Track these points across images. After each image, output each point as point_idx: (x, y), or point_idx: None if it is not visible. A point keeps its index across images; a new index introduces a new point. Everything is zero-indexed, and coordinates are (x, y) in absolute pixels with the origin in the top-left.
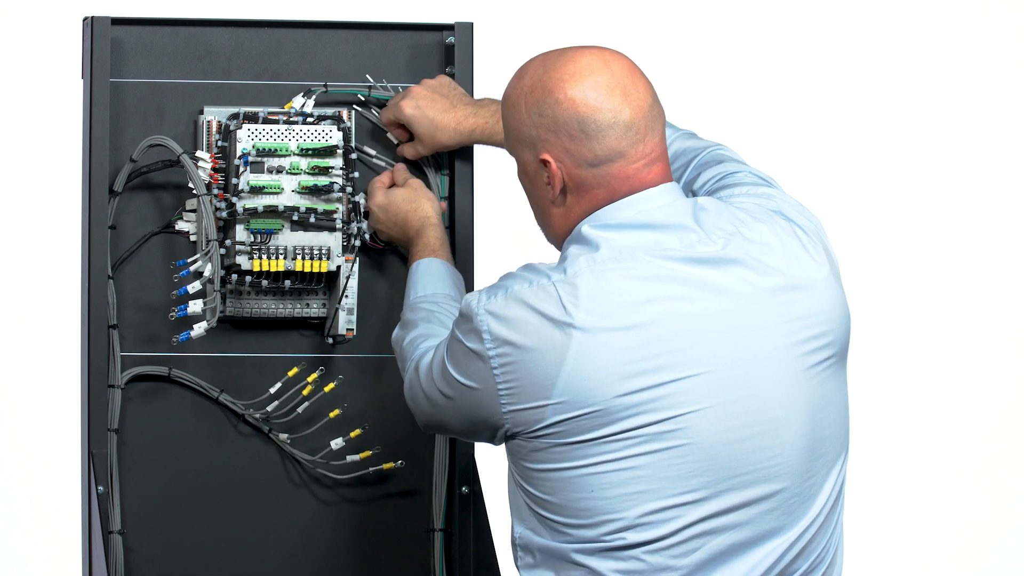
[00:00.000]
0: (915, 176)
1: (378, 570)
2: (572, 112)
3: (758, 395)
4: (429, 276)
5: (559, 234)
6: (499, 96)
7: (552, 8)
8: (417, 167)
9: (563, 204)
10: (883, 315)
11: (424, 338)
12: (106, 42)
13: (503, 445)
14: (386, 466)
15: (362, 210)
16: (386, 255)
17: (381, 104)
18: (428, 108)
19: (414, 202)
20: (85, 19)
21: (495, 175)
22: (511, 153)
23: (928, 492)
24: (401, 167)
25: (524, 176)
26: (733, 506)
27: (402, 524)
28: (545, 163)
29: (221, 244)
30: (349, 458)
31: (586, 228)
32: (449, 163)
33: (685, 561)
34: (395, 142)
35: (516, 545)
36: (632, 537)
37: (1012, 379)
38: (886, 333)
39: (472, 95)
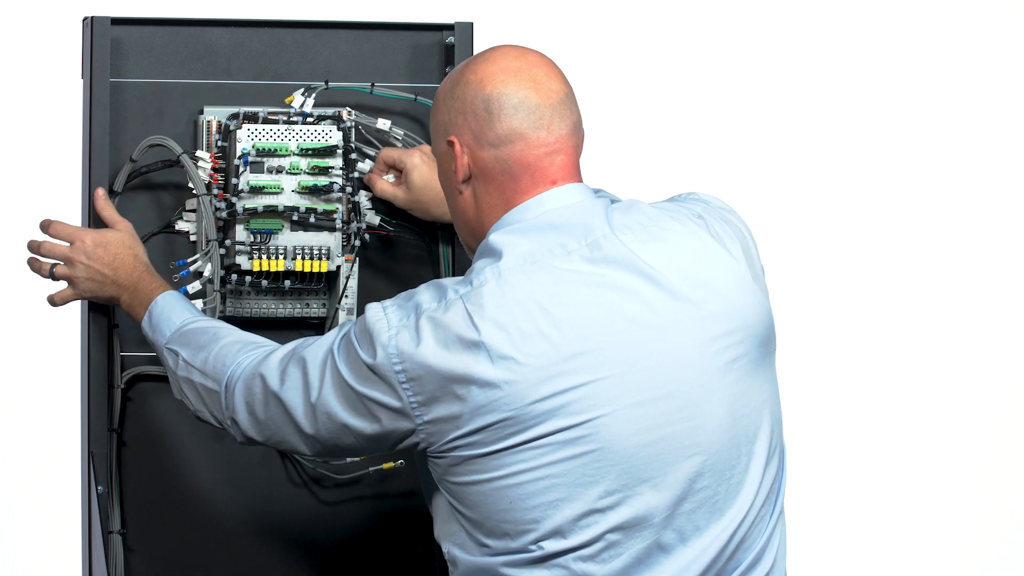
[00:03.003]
0: (900, 177)
1: (378, 570)
2: (479, 91)
3: (671, 394)
4: (184, 305)
5: (474, 230)
6: None
7: (552, 8)
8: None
9: (470, 191)
10: (869, 317)
11: (239, 345)
12: (106, 42)
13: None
14: (386, 466)
15: (362, 210)
16: (386, 254)
17: (381, 111)
18: (433, 169)
19: (137, 244)
20: (85, 19)
21: None
22: (435, 155)
23: (912, 496)
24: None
25: (441, 173)
26: (653, 507)
27: (402, 524)
28: (451, 145)
29: (221, 244)
30: (349, 458)
31: (493, 236)
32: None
33: (611, 566)
34: (365, 171)
35: (448, 561)
36: (554, 546)
37: (1002, 381)
38: (872, 336)
39: None
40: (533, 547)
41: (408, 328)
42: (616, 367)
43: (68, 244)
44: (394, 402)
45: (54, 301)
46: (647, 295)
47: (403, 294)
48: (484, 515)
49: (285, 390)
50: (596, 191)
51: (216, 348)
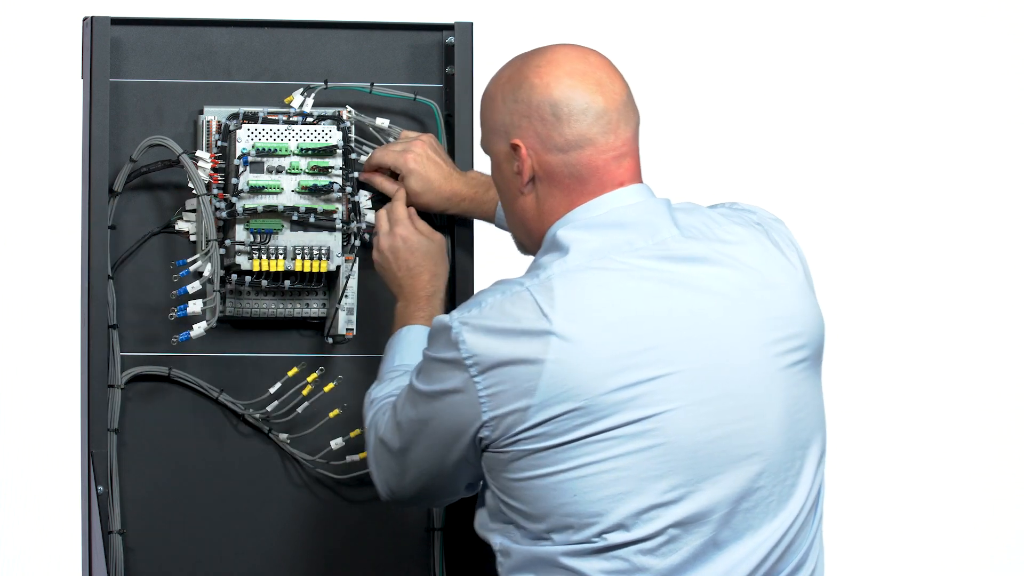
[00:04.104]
0: (907, 178)
1: (378, 570)
2: (546, 95)
3: (733, 393)
4: (417, 346)
5: (532, 230)
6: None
7: (552, 8)
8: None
9: (533, 193)
10: (878, 318)
11: (384, 410)
12: (106, 42)
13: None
14: None
15: (362, 210)
16: None
17: (381, 110)
18: (430, 169)
19: (441, 264)
20: (85, 19)
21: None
22: (486, 151)
23: (920, 497)
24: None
25: (497, 171)
26: (712, 504)
27: (402, 524)
28: (515, 148)
29: (221, 244)
30: (349, 458)
31: (560, 232)
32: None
33: (669, 560)
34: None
35: (497, 551)
36: (616, 538)
37: (1005, 382)
38: (881, 336)
39: (472, 95)
40: (596, 539)
41: (472, 318)
42: (683, 363)
43: (388, 220)
44: (464, 396)
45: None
46: (714, 294)
47: (472, 298)
48: (545, 510)
49: (386, 431)
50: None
51: (376, 407)
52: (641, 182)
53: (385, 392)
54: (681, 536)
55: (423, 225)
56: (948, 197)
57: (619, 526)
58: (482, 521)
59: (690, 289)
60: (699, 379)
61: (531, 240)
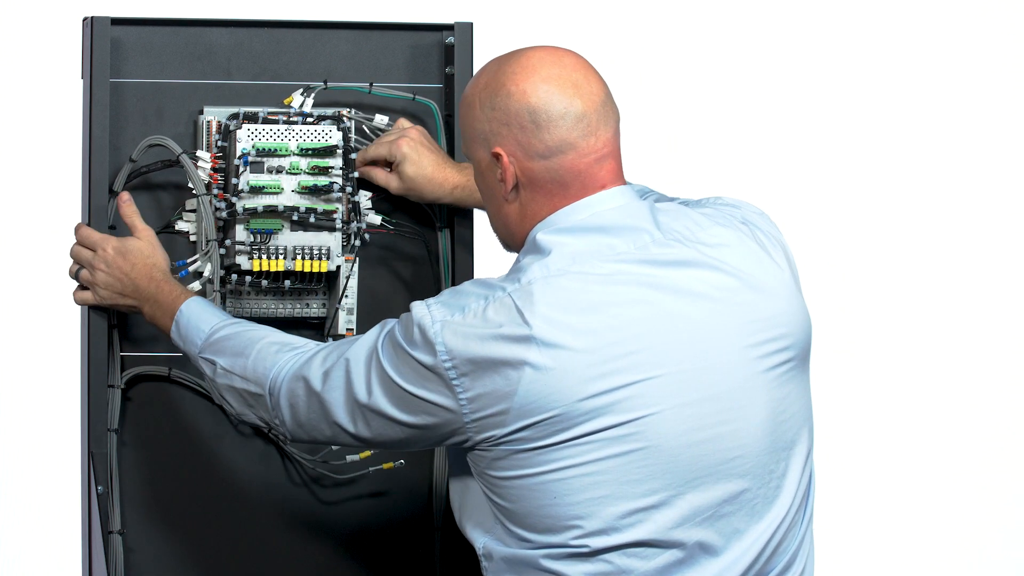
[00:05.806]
0: (894, 176)
1: (378, 570)
2: (523, 103)
3: (717, 396)
4: (209, 310)
5: (515, 233)
6: None
7: (552, 8)
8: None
9: (516, 200)
10: (872, 317)
11: (276, 346)
12: (106, 42)
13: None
14: (386, 466)
15: (362, 210)
16: (387, 254)
17: (379, 109)
18: (423, 155)
19: (158, 253)
20: (85, 19)
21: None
22: (468, 156)
23: (912, 496)
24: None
25: (479, 177)
26: (697, 508)
27: (402, 524)
28: (497, 157)
29: (221, 244)
30: (349, 458)
31: (540, 235)
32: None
33: (653, 563)
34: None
35: (480, 555)
36: (598, 542)
37: (1003, 381)
38: (875, 335)
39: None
40: (575, 542)
41: (455, 324)
42: (665, 367)
43: (91, 251)
44: (444, 399)
45: (74, 300)
46: (696, 296)
47: (447, 291)
48: (527, 510)
49: (327, 390)
50: (641, 191)
51: (253, 353)
52: (623, 182)
53: (258, 349)
54: (664, 540)
55: (134, 218)
56: (936, 196)
57: (600, 530)
58: (467, 518)
59: (672, 292)
60: (682, 382)
61: (515, 242)
